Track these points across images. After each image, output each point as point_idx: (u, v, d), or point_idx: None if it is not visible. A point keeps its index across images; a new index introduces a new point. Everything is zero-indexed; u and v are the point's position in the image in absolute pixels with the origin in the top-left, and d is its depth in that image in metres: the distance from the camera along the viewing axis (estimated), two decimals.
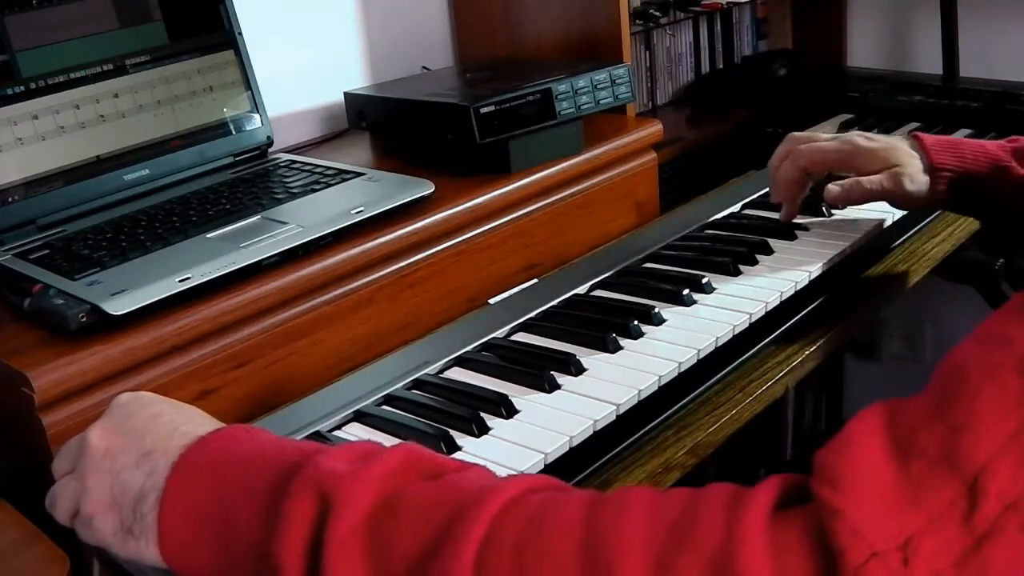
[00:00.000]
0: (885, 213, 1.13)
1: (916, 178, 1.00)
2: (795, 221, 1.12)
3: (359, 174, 1.08)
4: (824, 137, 1.07)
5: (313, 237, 0.92)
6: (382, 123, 1.27)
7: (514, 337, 0.94)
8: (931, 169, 1.00)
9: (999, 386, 0.46)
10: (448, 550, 0.49)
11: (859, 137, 1.04)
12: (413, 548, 0.50)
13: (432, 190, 1.02)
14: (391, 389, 0.85)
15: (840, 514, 0.44)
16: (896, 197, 1.02)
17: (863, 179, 1.02)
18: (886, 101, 1.77)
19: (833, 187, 1.03)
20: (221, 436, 0.60)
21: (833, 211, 1.15)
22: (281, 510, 0.53)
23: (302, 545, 0.52)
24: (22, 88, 0.99)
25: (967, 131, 1.63)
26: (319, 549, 0.51)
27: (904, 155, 1.01)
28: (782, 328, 0.98)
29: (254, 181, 1.09)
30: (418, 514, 0.51)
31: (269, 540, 0.53)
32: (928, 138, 1.02)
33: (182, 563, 0.57)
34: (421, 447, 0.57)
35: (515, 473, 0.71)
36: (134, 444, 0.61)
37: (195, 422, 0.62)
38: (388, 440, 0.78)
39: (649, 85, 1.83)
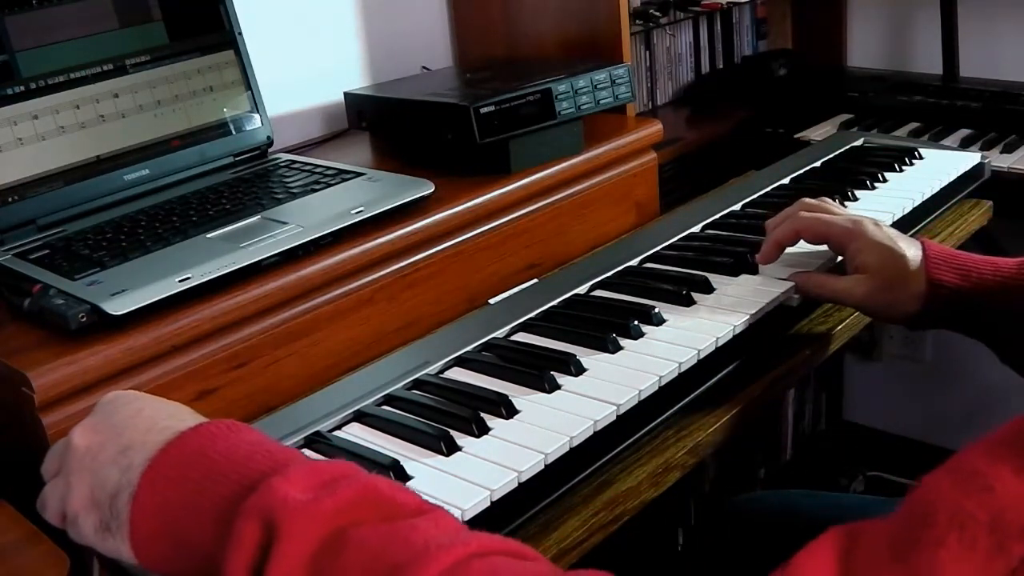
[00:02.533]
0: (887, 213, 1.12)
1: (899, 293, 0.89)
2: None
3: (359, 174, 1.08)
4: (833, 209, 0.97)
5: (313, 237, 0.92)
6: (382, 123, 1.27)
7: (514, 337, 0.94)
8: (928, 284, 0.88)
9: (967, 542, 0.42)
10: None
11: (868, 222, 0.93)
12: None
13: (432, 190, 1.02)
14: (391, 389, 0.85)
15: None
16: (863, 308, 0.94)
17: (832, 279, 0.94)
18: (886, 101, 1.77)
19: (797, 276, 0.96)
20: (199, 433, 0.59)
21: None
22: (232, 528, 0.52)
23: (247, 569, 0.51)
24: (22, 88, 0.99)
25: (967, 131, 1.63)
26: None
27: (899, 261, 0.89)
28: (782, 328, 0.98)
29: (254, 181, 1.09)
30: (360, 562, 0.50)
31: (220, 554, 0.52)
32: (934, 250, 0.90)
33: (150, 560, 0.57)
34: (385, 482, 0.56)
35: (513, 474, 0.71)
36: (113, 440, 0.61)
37: (176, 418, 0.62)
38: (388, 440, 0.78)
39: (649, 85, 1.83)
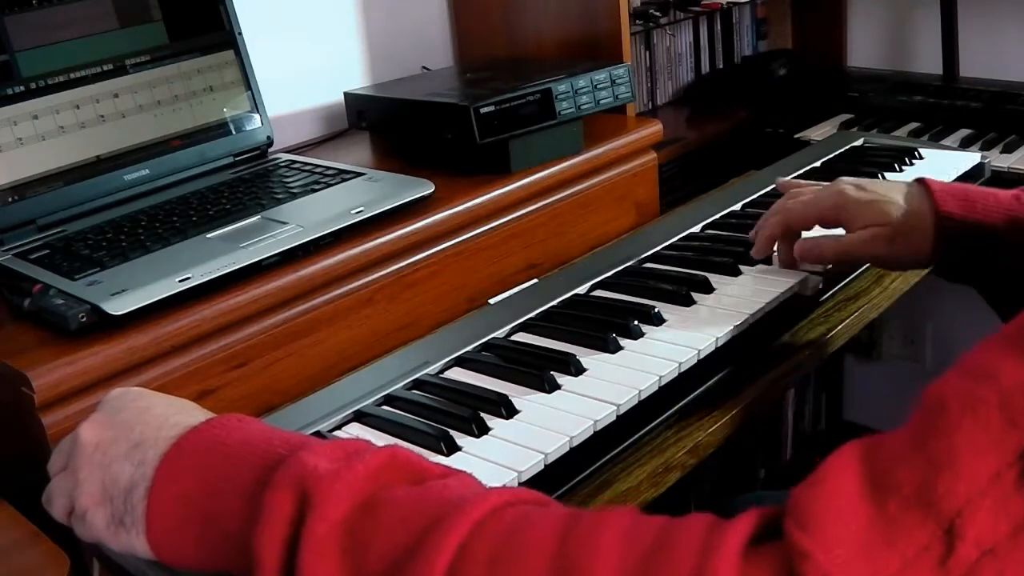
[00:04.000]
0: None
1: (908, 237, 0.88)
2: None
3: (359, 174, 1.08)
4: (812, 189, 0.96)
5: (313, 237, 0.92)
6: (382, 123, 1.27)
7: (514, 337, 0.94)
8: (936, 218, 0.87)
9: (980, 423, 0.44)
10: (422, 557, 0.49)
11: (849, 187, 0.92)
12: (389, 553, 0.50)
13: (432, 190, 1.02)
14: (391, 389, 0.85)
15: (809, 557, 0.43)
16: (879, 259, 0.92)
17: (841, 237, 0.92)
18: (886, 101, 1.77)
19: (803, 242, 0.95)
20: (211, 426, 0.60)
21: None
22: (262, 502, 0.53)
23: (280, 540, 0.52)
24: (22, 88, 0.99)
25: (967, 131, 1.63)
26: (296, 546, 0.51)
27: (895, 209, 0.88)
28: (782, 327, 0.98)
29: (254, 181, 1.09)
30: (396, 519, 0.51)
31: (250, 531, 0.53)
32: (936, 184, 0.89)
33: (169, 552, 0.58)
34: (407, 450, 0.57)
35: (513, 473, 0.71)
36: (124, 436, 0.61)
37: (186, 413, 0.62)
38: (388, 440, 0.78)
39: (649, 85, 1.83)
